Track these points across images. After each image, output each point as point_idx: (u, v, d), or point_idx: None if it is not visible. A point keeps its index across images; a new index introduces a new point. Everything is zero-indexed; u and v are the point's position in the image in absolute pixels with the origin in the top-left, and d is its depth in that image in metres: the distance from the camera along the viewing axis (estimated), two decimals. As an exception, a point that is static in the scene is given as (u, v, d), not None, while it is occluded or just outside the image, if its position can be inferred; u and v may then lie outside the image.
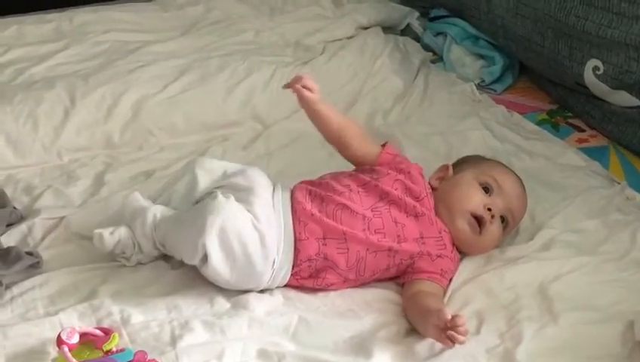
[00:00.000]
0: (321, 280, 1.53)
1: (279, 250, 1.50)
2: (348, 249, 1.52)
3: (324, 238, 1.52)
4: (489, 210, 1.58)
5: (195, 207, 1.54)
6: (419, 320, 1.44)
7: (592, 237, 1.66)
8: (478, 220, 1.58)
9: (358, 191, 1.57)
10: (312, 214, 1.53)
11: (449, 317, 1.35)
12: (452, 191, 1.61)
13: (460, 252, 1.61)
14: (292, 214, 1.53)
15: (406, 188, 1.59)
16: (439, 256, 1.55)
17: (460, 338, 1.34)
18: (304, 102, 1.64)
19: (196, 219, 1.48)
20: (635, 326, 1.41)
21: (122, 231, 1.55)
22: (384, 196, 1.57)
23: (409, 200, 1.57)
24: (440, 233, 1.57)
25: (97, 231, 1.55)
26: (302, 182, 1.63)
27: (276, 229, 1.50)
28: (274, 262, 1.49)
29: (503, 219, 1.61)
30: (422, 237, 1.55)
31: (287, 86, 1.63)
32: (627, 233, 1.66)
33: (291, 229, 1.52)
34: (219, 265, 1.46)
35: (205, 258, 1.46)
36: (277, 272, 1.50)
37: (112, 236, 1.54)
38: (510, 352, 1.39)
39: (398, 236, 1.54)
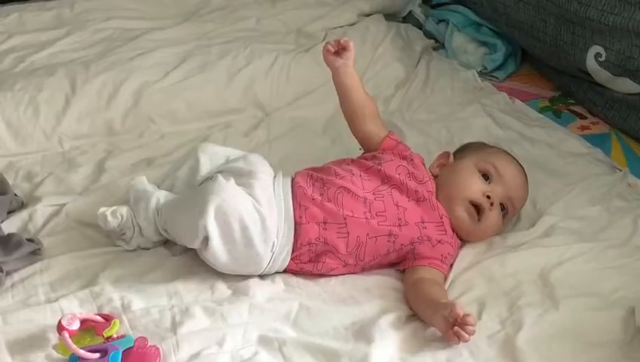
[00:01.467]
0: (321, 264, 1.52)
1: (279, 233, 1.49)
2: (348, 233, 1.51)
3: (325, 223, 1.51)
4: (488, 197, 1.57)
5: (196, 188, 1.54)
6: (424, 309, 1.44)
7: (593, 223, 1.66)
8: (477, 207, 1.58)
9: (360, 175, 1.57)
10: (313, 198, 1.53)
11: (461, 313, 1.34)
12: (451, 179, 1.61)
13: (459, 239, 1.61)
14: (292, 198, 1.53)
15: (409, 172, 1.59)
16: (439, 242, 1.55)
17: (466, 336, 1.34)
18: (334, 68, 1.68)
19: (196, 200, 1.48)
20: (636, 312, 1.40)
21: (124, 211, 1.56)
22: (386, 180, 1.57)
23: (411, 184, 1.57)
24: (441, 218, 1.56)
25: (101, 210, 1.56)
26: (304, 169, 1.63)
27: (276, 212, 1.50)
28: (273, 245, 1.49)
29: (502, 207, 1.60)
30: (423, 222, 1.55)
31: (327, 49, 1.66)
32: (629, 219, 1.66)
33: (291, 213, 1.52)
34: (219, 247, 1.46)
35: (206, 240, 1.46)
36: (276, 256, 1.50)
37: (114, 216, 1.55)
38: (511, 338, 1.38)
39: (399, 219, 1.53)
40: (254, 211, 1.47)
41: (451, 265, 1.56)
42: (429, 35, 2.47)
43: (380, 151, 1.66)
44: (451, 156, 1.67)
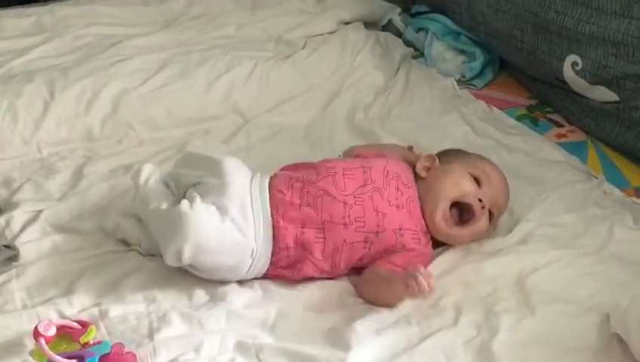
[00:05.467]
0: (297, 271, 1.52)
1: (257, 237, 1.49)
2: (325, 238, 1.51)
3: (303, 227, 1.51)
4: (480, 200, 1.58)
5: (172, 213, 1.48)
6: (381, 286, 1.47)
7: (569, 230, 1.67)
8: (467, 208, 1.58)
9: (344, 174, 1.56)
10: (292, 203, 1.52)
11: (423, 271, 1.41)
12: (443, 179, 1.60)
13: (438, 245, 1.61)
14: (270, 202, 1.52)
15: (397, 174, 1.59)
16: (412, 250, 1.55)
17: (424, 283, 1.39)
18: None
19: (175, 228, 1.44)
20: (611, 318, 1.42)
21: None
22: (369, 182, 1.56)
23: (394, 188, 1.56)
24: (416, 226, 1.56)
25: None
26: (285, 168, 1.62)
27: (254, 218, 1.50)
28: (253, 251, 1.49)
29: (489, 212, 1.61)
30: (400, 229, 1.55)
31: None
32: (604, 227, 1.67)
33: (269, 217, 1.51)
34: (199, 266, 1.47)
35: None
36: (256, 262, 1.50)
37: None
38: (487, 344, 1.39)
39: (378, 226, 1.53)
40: (233, 229, 1.46)
41: None
42: (408, 43, 2.48)
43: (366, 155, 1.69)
44: (437, 159, 1.66)
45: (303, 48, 2.29)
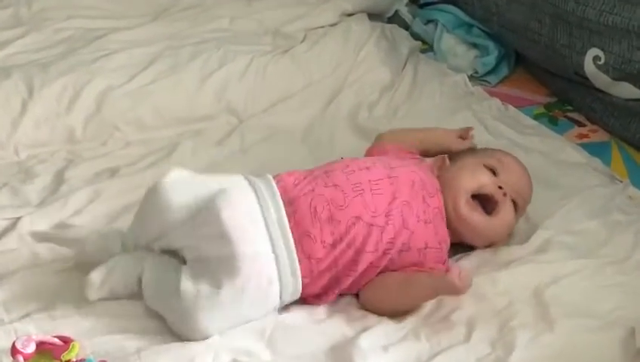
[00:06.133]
0: (323, 301, 1.53)
1: (284, 294, 1.47)
2: (357, 270, 1.51)
3: (336, 267, 1.50)
4: (500, 188, 1.59)
5: (177, 299, 1.43)
6: (402, 286, 1.50)
7: (591, 238, 1.67)
8: (488, 200, 1.59)
9: (371, 190, 1.54)
10: (324, 244, 1.49)
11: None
12: (458, 174, 1.62)
13: (469, 247, 1.63)
14: (299, 249, 1.47)
15: (422, 181, 1.58)
16: (431, 268, 1.55)
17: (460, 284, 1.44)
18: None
19: (184, 317, 1.42)
20: (637, 333, 1.42)
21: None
22: (397, 194, 1.54)
23: (421, 199, 1.56)
24: (440, 244, 1.57)
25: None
26: (298, 182, 1.55)
27: (280, 280, 1.46)
28: (279, 304, 1.48)
29: (513, 203, 1.62)
30: (426, 248, 1.55)
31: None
32: (629, 234, 1.68)
33: (298, 275, 1.47)
34: None
35: None
36: (284, 301, 1.49)
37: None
38: (502, 361, 1.39)
39: (403, 244, 1.53)
40: (254, 311, 1.46)
41: None
42: (416, 36, 2.49)
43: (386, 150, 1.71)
44: (447, 159, 1.69)
45: (302, 42, 2.30)
